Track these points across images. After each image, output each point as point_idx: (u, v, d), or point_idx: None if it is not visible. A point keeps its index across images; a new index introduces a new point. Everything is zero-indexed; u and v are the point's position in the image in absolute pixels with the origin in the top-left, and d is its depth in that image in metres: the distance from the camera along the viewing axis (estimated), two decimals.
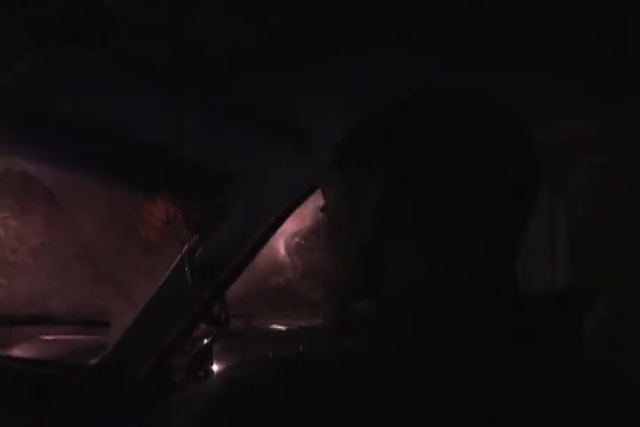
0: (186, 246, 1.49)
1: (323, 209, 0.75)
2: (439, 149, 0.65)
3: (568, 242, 1.32)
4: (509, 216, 0.66)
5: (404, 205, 0.64)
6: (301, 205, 1.44)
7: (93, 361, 1.72)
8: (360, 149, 0.70)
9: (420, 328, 0.60)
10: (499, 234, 0.65)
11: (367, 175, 0.67)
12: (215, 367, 1.78)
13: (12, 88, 1.08)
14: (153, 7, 0.86)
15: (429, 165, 0.64)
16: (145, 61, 0.99)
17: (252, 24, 0.88)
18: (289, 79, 1.02)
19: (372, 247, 0.66)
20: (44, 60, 0.98)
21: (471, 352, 0.58)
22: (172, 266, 1.57)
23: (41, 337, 2.16)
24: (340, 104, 1.03)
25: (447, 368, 0.57)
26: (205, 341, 1.77)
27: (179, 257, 1.53)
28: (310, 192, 1.40)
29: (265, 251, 1.53)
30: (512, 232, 0.66)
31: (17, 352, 1.97)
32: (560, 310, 0.63)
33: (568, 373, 0.60)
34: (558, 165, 1.27)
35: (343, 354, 0.59)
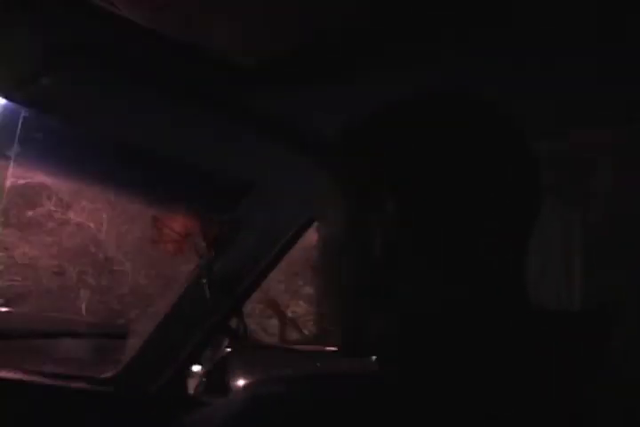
0: (203, 259, 1.49)
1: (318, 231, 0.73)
2: (444, 158, 0.64)
3: (583, 254, 1.31)
4: (514, 226, 0.65)
5: (409, 224, 0.63)
6: None
7: (109, 374, 1.72)
8: (367, 163, 0.67)
9: (432, 347, 0.59)
10: (503, 245, 0.64)
11: (369, 202, 0.65)
12: (232, 381, 1.78)
13: (37, 101, 1.09)
14: (180, 22, 0.86)
15: (435, 175, 0.63)
16: (166, 73, 0.99)
17: (279, 36, 0.88)
18: (309, 92, 1.02)
19: (378, 268, 0.64)
20: (68, 73, 0.99)
21: (482, 369, 0.57)
22: (190, 279, 1.57)
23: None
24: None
25: (458, 386, 0.56)
26: (223, 354, 1.77)
27: (196, 270, 1.53)
28: None
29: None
30: (515, 242, 0.65)
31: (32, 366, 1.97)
32: (574, 324, 0.62)
33: (581, 385, 0.59)
34: (573, 176, 1.26)
35: (363, 375, 0.58)
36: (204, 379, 1.88)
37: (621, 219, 1.25)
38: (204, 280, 1.48)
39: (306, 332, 9.32)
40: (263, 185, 1.42)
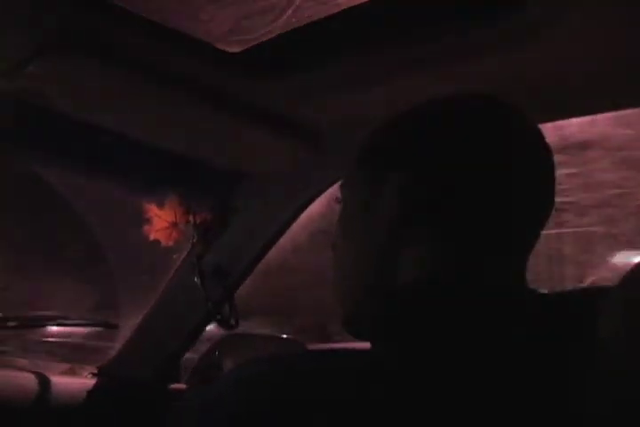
0: (194, 248, 1.48)
1: (338, 201, 0.74)
2: (456, 150, 0.64)
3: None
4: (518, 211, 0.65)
5: (420, 204, 0.64)
6: (311, 206, 1.44)
7: (100, 363, 1.72)
8: (380, 149, 0.69)
9: (433, 327, 0.59)
10: (510, 233, 0.65)
11: (385, 175, 0.66)
12: (223, 370, 1.78)
13: (23, 91, 1.08)
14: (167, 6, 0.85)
15: (446, 165, 0.64)
16: (152, 60, 0.98)
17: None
18: (302, 78, 1.01)
19: (386, 246, 0.65)
20: (54, 62, 0.98)
21: (480, 352, 0.57)
22: (181, 268, 1.57)
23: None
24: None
25: (455, 369, 0.56)
26: (214, 343, 1.77)
27: (188, 259, 1.53)
28: (320, 193, 1.39)
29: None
30: (524, 231, 0.66)
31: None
32: (572, 308, 0.62)
33: (579, 373, 0.59)
34: None
35: (352, 354, 0.58)
36: (196, 368, 1.88)
37: None
38: (195, 269, 1.48)
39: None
40: (253, 174, 1.41)
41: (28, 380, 1.53)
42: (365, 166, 0.70)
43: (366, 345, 0.63)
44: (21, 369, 1.62)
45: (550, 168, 0.67)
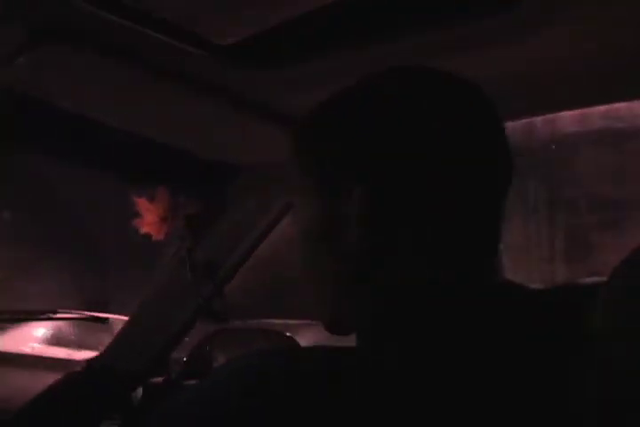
0: (185, 242, 1.48)
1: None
2: (422, 142, 0.62)
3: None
4: (488, 206, 0.64)
5: (390, 205, 0.62)
6: None
7: (92, 357, 1.71)
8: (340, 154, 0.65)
9: (434, 327, 0.59)
10: (486, 227, 0.64)
11: (349, 180, 0.63)
12: (214, 364, 1.77)
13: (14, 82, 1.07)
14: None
15: (413, 161, 0.62)
16: (147, 53, 0.97)
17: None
18: (293, 71, 1.01)
19: (360, 247, 0.63)
20: (44, 55, 0.97)
21: (482, 352, 0.57)
22: (172, 262, 1.56)
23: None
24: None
25: (457, 369, 0.56)
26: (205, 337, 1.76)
27: (178, 253, 1.52)
28: None
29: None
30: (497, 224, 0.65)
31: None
32: (565, 305, 0.62)
33: (579, 372, 0.59)
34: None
35: (347, 353, 0.58)
36: (187, 362, 1.87)
37: None
38: (186, 263, 1.47)
39: None
40: (244, 167, 1.41)
41: (18, 373, 1.53)
42: (315, 175, 0.66)
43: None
44: (12, 364, 1.61)
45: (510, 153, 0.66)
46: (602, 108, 1.03)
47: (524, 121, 1.07)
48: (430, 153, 0.62)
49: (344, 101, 0.66)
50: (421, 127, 0.62)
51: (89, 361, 1.68)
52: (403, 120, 0.62)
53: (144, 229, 1.46)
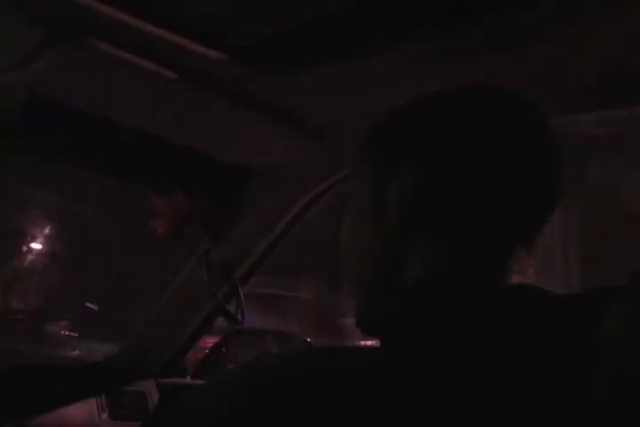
0: (202, 243, 1.49)
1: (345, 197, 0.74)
2: (469, 141, 0.64)
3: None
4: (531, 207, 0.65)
5: (431, 196, 0.63)
6: (318, 202, 1.43)
7: (107, 358, 1.72)
8: (389, 139, 0.68)
9: (445, 329, 0.59)
10: (518, 229, 0.64)
11: (395, 165, 0.65)
12: (228, 365, 1.78)
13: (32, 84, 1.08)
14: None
15: (459, 157, 0.63)
16: (160, 53, 0.98)
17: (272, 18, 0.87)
18: (306, 75, 1.01)
19: (394, 240, 0.65)
20: (60, 55, 0.98)
21: (490, 354, 0.57)
22: (188, 263, 1.57)
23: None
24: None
25: (466, 370, 0.56)
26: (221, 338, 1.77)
27: (196, 254, 1.53)
28: (328, 189, 1.39)
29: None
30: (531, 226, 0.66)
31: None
32: (580, 308, 0.62)
33: (587, 374, 0.58)
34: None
35: (361, 354, 0.58)
36: (202, 363, 1.89)
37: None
38: (203, 264, 1.48)
39: None
40: (261, 169, 1.41)
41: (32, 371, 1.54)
42: (371, 162, 0.69)
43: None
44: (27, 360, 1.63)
45: (559, 165, 0.66)
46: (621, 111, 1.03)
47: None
48: (473, 166, 0.63)
49: (414, 110, 0.69)
50: (474, 141, 0.63)
51: (105, 360, 1.69)
52: (459, 132, 0.64)
53: (162, 230, 1.47)
